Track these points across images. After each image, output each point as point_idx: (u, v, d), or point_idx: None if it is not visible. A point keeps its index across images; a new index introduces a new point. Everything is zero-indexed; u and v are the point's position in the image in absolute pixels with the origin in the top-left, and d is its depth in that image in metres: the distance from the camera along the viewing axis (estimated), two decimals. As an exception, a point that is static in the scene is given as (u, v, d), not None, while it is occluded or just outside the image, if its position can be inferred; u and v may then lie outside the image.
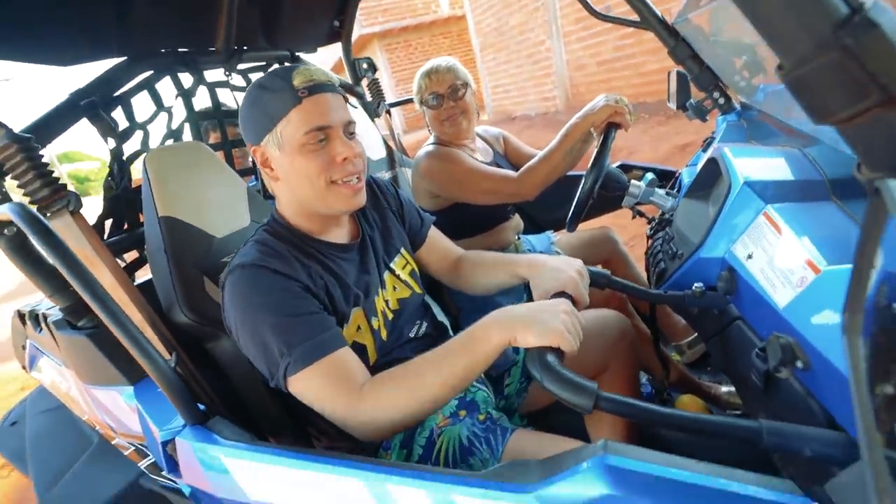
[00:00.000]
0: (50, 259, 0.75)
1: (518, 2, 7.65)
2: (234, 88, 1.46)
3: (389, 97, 2.08)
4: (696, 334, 1.45)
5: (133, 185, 1.16)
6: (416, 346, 0.92)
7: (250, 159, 1.62)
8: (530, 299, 0.84)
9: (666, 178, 1.45)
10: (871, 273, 0.30)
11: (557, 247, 1.55)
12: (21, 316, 1.29)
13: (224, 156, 1.44)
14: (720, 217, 0.78)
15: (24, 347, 1.42)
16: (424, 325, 0.97)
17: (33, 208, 0.78)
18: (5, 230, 0.85)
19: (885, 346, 0.37)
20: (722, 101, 1.25)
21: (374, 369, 0.75)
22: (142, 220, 1.10)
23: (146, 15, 1.13)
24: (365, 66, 1.91)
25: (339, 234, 0.89)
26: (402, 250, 0.99)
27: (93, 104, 1.06)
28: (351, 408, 0.69)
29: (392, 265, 0.95)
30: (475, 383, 0.94)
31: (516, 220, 1.57)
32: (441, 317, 1.08)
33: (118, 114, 1.15)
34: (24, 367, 1.50)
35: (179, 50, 1.29)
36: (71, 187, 0.88)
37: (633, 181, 1.20)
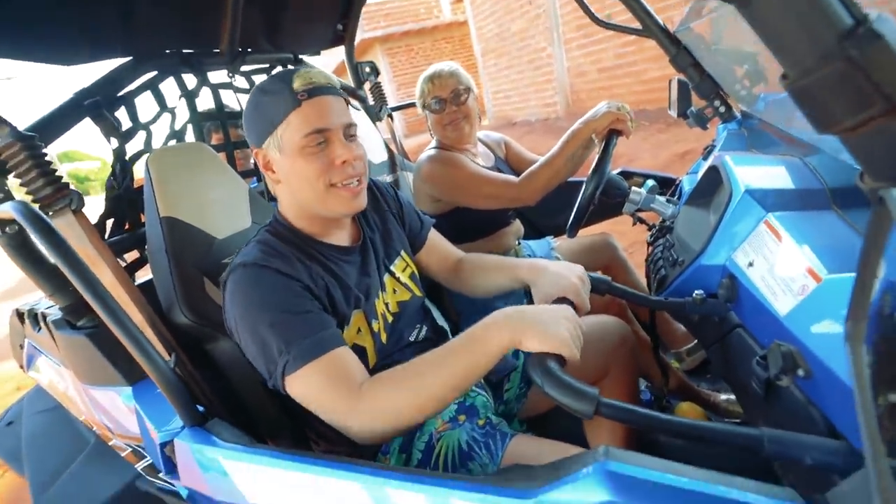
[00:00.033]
0: (51, 258, 0.75)
1: (520, 8, 7.69)
2: (237, 90, 1.47)
3: (391, 101, 2.09)
4: (695, 341, 1.45)
5: (135, 186, 1.17)
6: (415, 350, 0.91)
7: (252, 161, 1.62)
8: (530, 304, 0.84)
9: (666, 185, 1.45)
10: (875, 282, 0.31)
11: (557, 252, 1.55)
12: (20, 315, 1.29)
13: (226, 157, 1.45)
14: (721, 225, 0.78)
15: (21, 347, 1.41)
16: (424, 328, 0.97)
17: (35, 207, 0.78)
18: (7, 228, 0.85)
19: (887, 354, 0.37)
20: (723, 109, 1.25)
21: (374, 373, 0.75)
22: (143, 220, 1.10)
23: (151, 16, 1.14)
24: (368, 69, 1.92)
25: (341, 237, 0.90)
26: (402, 253, 0.99)
27: (97, 104, 1.06)
28: (349, 407, 0.68)
29: (392, 268, 0.95)
30: (475, 388, 0.94)
31: (517, 225, 1.57)
32: (441, 321, 1.08)
33: (121, 114, 1.15)
34: (21, 367, 1.49)
35: (183, 51, 1.30)
36: (71, 187, 0.89)
37: (633, 188, 1.21)
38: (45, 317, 1.08)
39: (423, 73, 1.41)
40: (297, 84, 0.76)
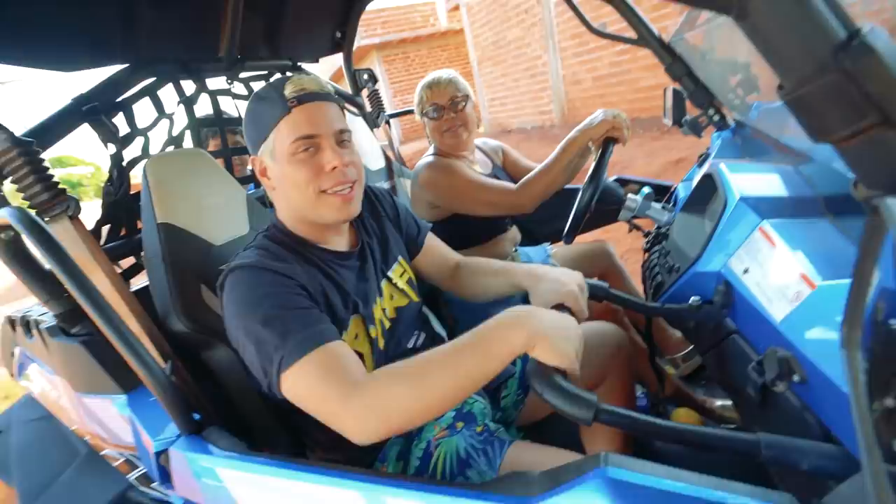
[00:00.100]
0: (47, 264, 0.75)
1: (516, 17, 7.77)
2: (235, 96, 1.47)
3: (388, 108, 2.10)
4: (690, 348, 1.45)
5: (131, 191, 1.16)
6: None
7: (249, 167, 1.62)
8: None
9: (662, 192, 1.46)
10: (869, 289, 0.31)
11: (554, 259, 1.56)
12: (11, 322, 1.27)
13: (224, 163, 1.44)
14: (716, 232, 0.79)
15: (12, 355, 1.39)
16: (422, 335, 0.97)
17: (32, 213, 0.78)
18: (2, 234, 0.84)
19: (882, 360, 0.38)
20: (717, 118, 1.27)
21: None
22: (140, 226, 1.09)
23: (151, 22, 1.14)
24: (366, 76, 1.93)
25: (339, 242, 0.90)
26: (400, 259, 0.99)
27: (95, 109, 1.06)
28: (345, 402, 0.64)
29: (390, 274, 0.95)
30: (473, 394, 0.93)
31: (513, 232, 1.58)
32: (438, 328, 1.07)
33: (119, 119, 1.15)
34: (11, 375, 1.47)
35: (182, 57, 1.30)
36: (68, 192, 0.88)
37: (629, 195, 1.22)
38: (38, 324, 1.07)
39: (422, 81, 1.42)
40: (287, 91, 0.77)
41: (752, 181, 0.80)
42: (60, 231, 0.84)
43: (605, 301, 0.90)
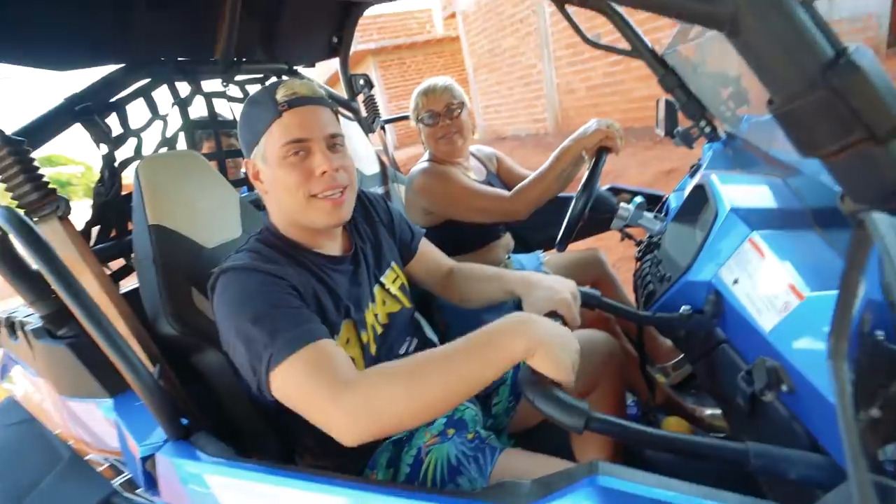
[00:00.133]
0: (35, 264, 0.74)
1: (511, 26, 7.85)
2: (231, 99, 1.47)
3: (383, 113, 2.11)
4: (681, 356, 1.47)
5: (123, 192, 1.15)
6: None
7: (242, 170, 1.61)
8: None
9: (654, 201, 1.48)
10: (855, 301, 0.32)
11: (547, 266, 1.57)
12: (-5, 323, 1.25)
13: (218, 166, 1.44)
14: (707, 242, 0.80)
15: (-4, 356, 1.37)
16: (415, 341, 0.97)
17: (20, 212, 0.77)
18: None
19: (868, 371, 0.38)
20: (708, 129, 1.29)
21: None
22: (131, 227, 1.08)
23: (147, 23, 1.14)
24: (362, 82, 1.93)
25: (332, 247, 0.89)
26: (393, 264, 0.99)
27: (88, 109, 1.05)
28: (335, 399, 0.62)
29: (382, 279, 0.95)
30: (463, 401, 0.93)
31: (507, 239, 1.58)
32: (431, 334, 1.07)
33: (112, 120, 1.14)
34: (-6, 377, 1.44)
35: (178, 59, 1.30)
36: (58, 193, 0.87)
37: (622, 204, 1.23)
38: (23, 325, 1.05)
39: (418, 88, 1.43)
40: (279, 95, 0.77)
41: (742, 193, 0.82)
42: (49, 231, 0.83)
43: (596, 309, 0.90)
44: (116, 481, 0.98)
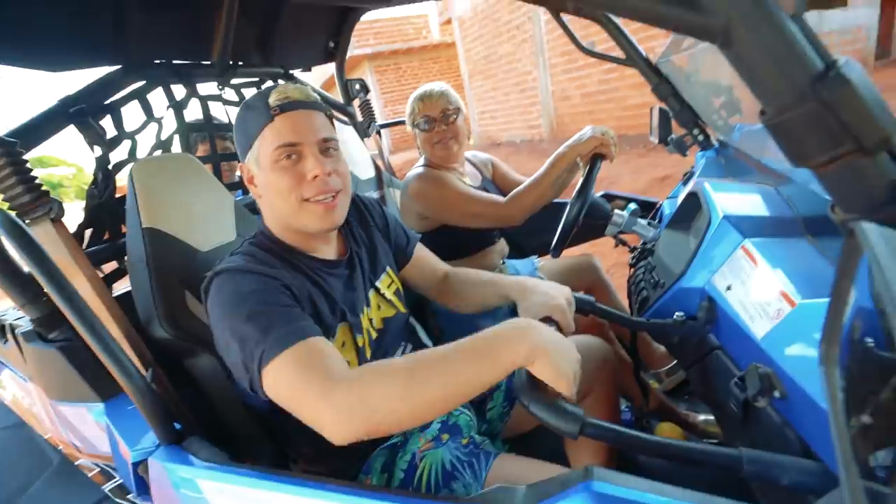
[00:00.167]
0: (27, 267, 0.73)
1: (507, 32, 7.91)
2: (226, 102, 1.47)
3: (378, 118, 2.11)
4: (674, 362, 1.47)
5: (117, 195, 1.14)
6: None
7: (237, 173, 1.61)
8: None
9: (648, 208, 1.49)
10: (846, 308, 0.32)
11: (541, 272, 1.57)
12: (-15, 326, 1.23)
13: (213, 169, 1.43)
14: (700, 249, 0.81)
15: (-16, 359, 1.35)
16: (409, 347, 0.97)
17: (12, 214, 0.76)
18: None
19: (858, 378, 0.39)
20: (701, 137, 1.31)
21: None
22: (124, 230, 1.07)
23: (144, 25, 1.13)
24: (358, 86, 1.94)
25: (327, 251, 0.89)
26: (388, 269, 0.99)
27: (82, 111, 1.05)
28: (327, 395, 0.60)
29: (378, 284, 0.95)
30: (458, 406, 0.93)
31: (501, 245, 1.59)
32: (426, 339, 1.07)
33: (107, 122, 1.13)
34: (-18, 380, 1.42)
35: (174, 62, 1.29)
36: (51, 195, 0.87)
37: (616, 210, 1.24)
38: (13, 329, 1.04)
39: (414, 93, 1.44)
40: (272, 99, 0.78)
41: (735, 200, 0.83)
42: (42, 233, 0.83)
43: (591, 315, 0.91)
44: (107, 486, 0.97)
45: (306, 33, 1.68)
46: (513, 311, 0.90)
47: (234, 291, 0.71)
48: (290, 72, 1.68)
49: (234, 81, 1.48)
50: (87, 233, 1.10)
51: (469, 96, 9.77)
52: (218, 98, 1.45)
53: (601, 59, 1.48)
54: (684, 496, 0.46)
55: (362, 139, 1.94)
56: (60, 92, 1.06)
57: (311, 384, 0.62)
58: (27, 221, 0.82)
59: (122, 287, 1.10)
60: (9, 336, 1.07)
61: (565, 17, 1.43)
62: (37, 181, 0.84)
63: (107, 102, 1.13)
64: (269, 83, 1.60)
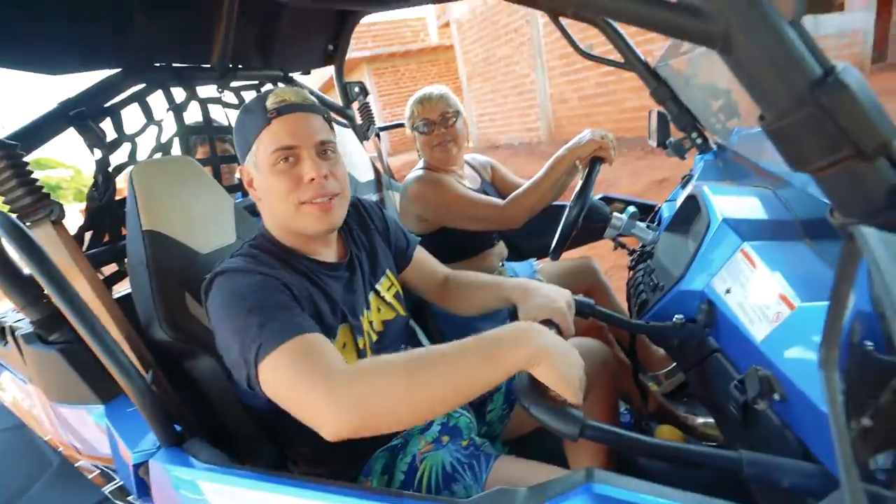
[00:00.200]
0: (28, 269, 0.73)
1: (505, 35, 7.94)
2: (226, 105, 1.47)
3: (377, 121, 2.12)
4: (673, 365, 1.48)
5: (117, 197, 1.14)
6: None
7: (237, 176, 1.61)
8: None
9: (646, 211, 1.50)
10: (845, 311, 0.33)
11: (540, 275, 1.58)
12: (-16, 328, 1.23)
13: (212, 171, 1.43)
14: (700, 252, 0.81)
15: (-17, 361, 1.34)
16: (409, 350, 0.97)
17: (13, 216, 0.76)
18: None
19: (858, 381, 0.39)
20: (700, 141, 1.31)
21: None
22: (124, 233, 1.07)
23: (144, 28, 1.14)
24: (357, 89, 1.94)
25: (327, 253, 0.89)
26: (388, 272, 0.99)
27: (82, 114, 1.05)
28: (323, 388, 0.59)
29: (377, 287, 0.95)
30: (458, 409, 0.93)
31: (500, 247, 1.59)
32: (426, 342, 1.07)
33: (107, 125, 1.13)
34: (-20, 383, 1.42)
35: (174, 65, 1.30)
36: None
37: (615, 213, 1.25)
38: (13, 331, 1.04)
39: (413, 96, 1.44)
40: (269, 102, 0.78)
41: (733, 204, 0.83)
42: (42, 236, 0.83)
43: (590, 317, 0.91)
44: (107, 488, 0.97)
45: (306, 36, 1.68)
46: (512, 314, 0.90)
47: (234, 290, 0.71)
48: (290, 75, 1.69)
49: (234, 84, 1.48)
50: (87, 235, 1.10)
51: (467, 99, 9.79)
52: (217, 101, 1.45)
53: (599, 63, 1.49)
54: (685, 498, 0.46)
55: (361, 142, 1.94)
56: (61, 95, 1.06)
57: (308, 377, 0.60)
58: (28, 224, 0.82)
59: (122, 289, 1.10)
60: (9, 338, 1.07)
61: (563, 20, 1.44)
62: (37, 183, 0.84)
63: (107, 105, 1.13)
64: (269, 86, 1.60)
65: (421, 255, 1.09)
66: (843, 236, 0.32)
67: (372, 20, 12.45)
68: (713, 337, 0.78)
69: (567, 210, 1.16)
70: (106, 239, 1.12)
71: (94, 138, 1.08)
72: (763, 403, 0.58)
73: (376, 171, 1.92)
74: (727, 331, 0.72)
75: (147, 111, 1.25)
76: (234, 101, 1.50)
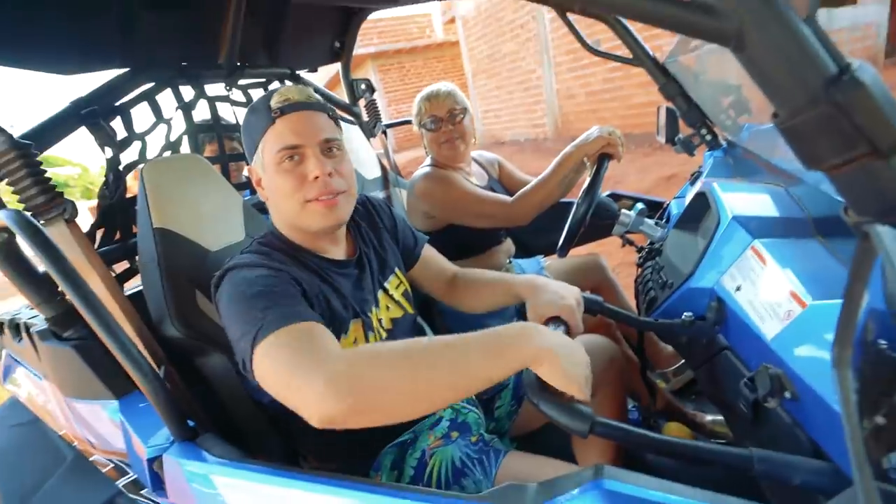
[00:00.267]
0: (44, 266, 0.74)
1: (511, 31, 7.89)
2: (234, 103, 1.48)
3: (382, 117, 2.12)
4: (681, 362, 1.47)
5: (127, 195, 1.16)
6: None
7: (244, 173, 1.62)
8: (522, 320, 0.84)
9: (655, 208, 1.49)
10: (859, 310, 0.32)
11: (548, 272, 1.58)
12: (-1, 325, 1.25)
13: (221, 169, 1.44)
14: (709, 249, 0.81)
15: (-2, 357, 1.37)
16: (418, 347, 0.97)
17: (28, 214, 0.77)
18: None
19: (871, 379, 0.39)
20: (709, 137, 1.30)
21: None
22: (135, 230, 1.09)
23: (150, 27, 1.15)
24: (363, 86, 1.94)
25: (336, 251, 0.90)
26: (396, 270, 1.00)
27: (93, 113, 1.06)
28: (315, 369, 0.57)
29: (386, 284, 0.96)
30: (467, 405, 0.94)
31: (508, 244, 1.59)
32: (434, 339, 1.07)
33: (117, 124, 1.15)
34: (-4, 379, 1.44)
35: (182, 63, 1.31)
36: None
37: (623, 210, 1.24)
38: (28, 327, 1.06)
39: (421, 93, 1.44)
40: (273, 102, 0.79)
41: (744, 201, 0.83)
42: (56, 234, 0.84)
43: (598, 315, 0.91)
44: (121, 482, 0.98)
45: (312, 34, 1.68)
46: (520, 311, 0.90)
47: (243, 279, 0.71)
48: (297, 72, 1.69)
49: (242, 82, 1.49)
50: (99, 233, 1.11)
51: (473, 95, 9.76)
52: (226, 99, 1.46)
53: (610, 59, 1.48)
54: (695, 495, 0.47)
55: (368, 139, 1.95)
56: (71, 94, 1.07)
57: (303, 358, 0.59)
58: (42, 222, 0.83)
59: (132, 286, 1.12)
60: (23, 335, 1.08)
61: (571, 15, 1.43)
62: (51, 182, 0.85)
63: (117, 104, 1.14)
64: (276, 84, 1.61)
65: (429, 253, 1.09)
66: (858, 235, 0.32)
67: (377, 17, 12.43)
68: (722, 335, 0.78)
69: (575, 207, 1.16)
70: (117, 237, 1.14)
71: (105, 137, 1.10)
72: (774, 401, 0.58)
73: (383, 168, 1.92)
74: (737, 328, 0.72)
75: (156, 110, 1.26)
76: (242, 99, 1.51)
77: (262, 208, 1.24)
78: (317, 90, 1.66)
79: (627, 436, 0.56)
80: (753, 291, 0.68)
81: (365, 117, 2.01)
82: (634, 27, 1.28)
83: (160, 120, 1.27)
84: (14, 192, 0.85)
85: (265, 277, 0.71)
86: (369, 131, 1.99)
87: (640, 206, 1.24)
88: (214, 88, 1.43)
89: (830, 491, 0.46)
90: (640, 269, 1.19)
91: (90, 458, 1.09)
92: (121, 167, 1.15)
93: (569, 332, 0.76)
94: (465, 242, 1.45)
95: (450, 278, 1.06)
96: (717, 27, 0.33)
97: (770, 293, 0.65)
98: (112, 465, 1.00)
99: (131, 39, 1.13)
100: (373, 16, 1.98)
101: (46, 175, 0.85)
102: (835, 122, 0.31)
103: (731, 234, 0.77)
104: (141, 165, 1.01)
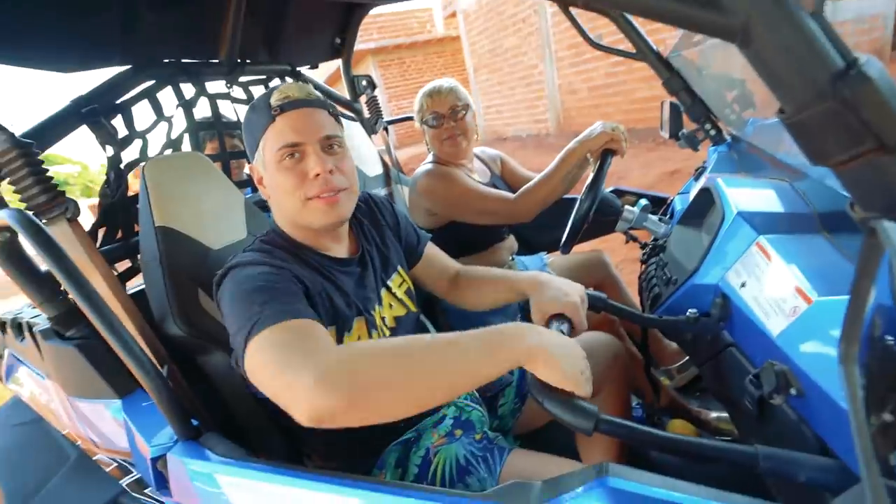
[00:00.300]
0: (46, 265, 0.74)
1: (513, 26, 7.85)
2: (234, 100, 1.47)
3: (383, 114, 2.11)
4: (685, 359, 1.47)
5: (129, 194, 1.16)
6: None
7: (245, 171, 1.62)
8: (525, 317, 0.84)
9: (658, 204, 1.48)
10: (866, 306, 0.32)
11: (550, 268, 1.57)
12: (1, 324, 1.26)
13: (222, 167, 1.44)
14: (714, 245, 0.80)
15: (1, 357, 1.37)
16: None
17: (30, 214, 0.77)
18: None
19: (878, 375, 0.39)
20: (713, 132, 1.29)
21: None
22: (137, 229, 1.09)
23: (151, 25, 1.14)
24: (364, 83, 1.94)
25: (338, 249, 0.90)
26: (399, 268, 1.00)
27: (94, 111, 1.06)
28: (314, 362, 0.56)
29: (389, 282, 0.96)
30: (470, 402, 0.94)
31: (510, 241, 1.59)
32: (437, 336, 1.07)
33: (118, 122, 1.15)
34: (-1, 378, 1.45)
35: (182, 61, 1.30)
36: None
37: (626, 206, 1.24)
38: (30, 327, 1.06)
39: (423, 89, 1.44)
40: (273, 99, 0.78)
41: (749, 196, 0.82)
42: (58, 233, 0.84)
43: (602, 311, 0.90)
44: (124, 481, 0.99)
45: (313, 30, 1.68)
46: (523, 308, 0.90)
47: (245, 276, 0.71)
48: (298, 69, 1.69)
49: (243, 79, 1.48)
50: (100, 232, 1.11)
51: (474, 90, 9.72)
52: (226, 96, 1.45)
53: (610, 53, 1.47)
54: (699, 492, 0.46)
55: (369, 136, 1.94)
56: (71, 93, 1.07)
57: (295, 353, 0.58)
58: (44, 221, 0.83)
59: (135, 285, 1.12)
60: (26, 334, 1.09)
61: (574, 10, 1.42)
62: (53, 181, 0.85)
63: (118, 102, 1.14)
64: (277, 80, 1.60)
65: (432, 250, 1.08)
66: (864, 230, 0.32)
67: (378, 12, 12.37)
68: (727, 331, 0.78)
69: (578, 203, 1.15)
70: (119, 235, 1.14)
71: (106, 135, 1.10)
72: (779, 398, 0.58)
73: (385, 165, 1.92)
74: (742, 325, 0.72)
75: (157, 107, 1.26)
76: (243, 96, 1.51)
77: (263, 206, 1.24)
78: (317, 87, 1.66)
79: (632, 433, 0.55)
80: (758, 287, 0.68)
81: (366, 114, 2.00)
82: (637, 21, 1.28)
83: (161, 118, 1.27)
84: (16, 192, 0.85)
85: (266, 275, 0.71)
86: (371, 128, 1.99)
87: (643, 202, 1.23)
88: (215, 86, 1.43)
89: (837, 488, 0.46)
90: (643, 266, 1.18)
91: (93, 458, 1.10)
92: (122, 165, 1.15)
93: (572, 329, 0.76)
94: (467, 239, 1.44)
95: (452, 276, 1.06)
96: (722, 23, 0.33)
97: (775, 289, 0.64)
98: (115, 464, 1.00)
99: (132, 37, 1.13)
100: (373, 11, 1.97)
101: (48, 174, 0.85)
102: (841, 117, 0.31)
103: (735, 229, 0.76)
104: (142, 164, 1.01)
